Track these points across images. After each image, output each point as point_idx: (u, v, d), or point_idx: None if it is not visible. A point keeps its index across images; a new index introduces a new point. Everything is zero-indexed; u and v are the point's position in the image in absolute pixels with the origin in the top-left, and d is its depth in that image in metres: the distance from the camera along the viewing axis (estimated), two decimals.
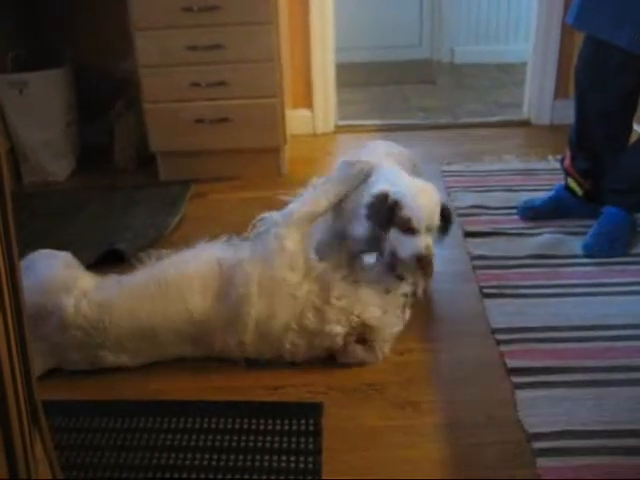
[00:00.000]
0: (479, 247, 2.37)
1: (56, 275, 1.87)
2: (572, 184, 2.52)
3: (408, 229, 1.80)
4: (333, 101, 3.60)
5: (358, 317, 1.80)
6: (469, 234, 2.45)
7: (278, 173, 3.07)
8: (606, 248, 2.29)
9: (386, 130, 3.55)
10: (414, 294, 1.95)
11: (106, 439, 1.60)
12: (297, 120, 3.51)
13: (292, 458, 1.52)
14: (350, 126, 3.66)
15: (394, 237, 1.83)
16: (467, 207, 2.65)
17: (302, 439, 1.57)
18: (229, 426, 1.62)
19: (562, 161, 2.58)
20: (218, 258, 1.87)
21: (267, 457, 1.53)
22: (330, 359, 1.83)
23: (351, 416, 1.66)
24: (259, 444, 1.56)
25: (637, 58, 2.11)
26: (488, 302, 2.07)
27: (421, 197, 1.83)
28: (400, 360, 1.86)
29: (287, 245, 1.82)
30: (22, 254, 1.24)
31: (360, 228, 1.90)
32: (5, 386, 0.90)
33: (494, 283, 2.16)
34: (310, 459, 1.52)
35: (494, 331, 1.94)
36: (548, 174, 2.92)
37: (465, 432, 1.60)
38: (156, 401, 1.73)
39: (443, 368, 1.83)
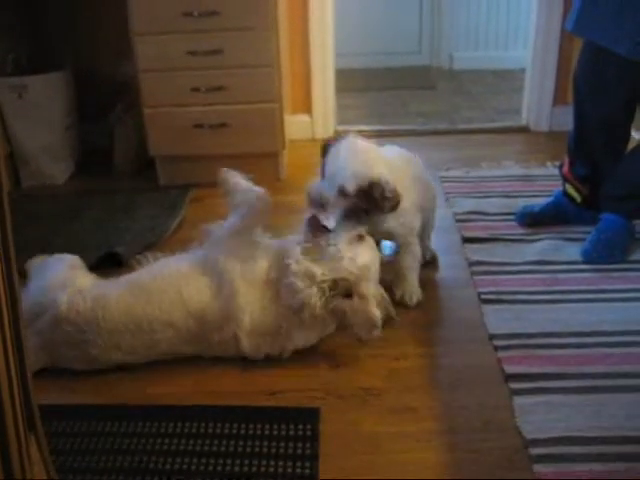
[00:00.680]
0: (477, 253, 2.37)
1: (57, 275, 1.90)
2: (570, 190, 2.52)
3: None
4: (332, 106, 3.60)
5: (323, 274, 1.77)
6: (467, 240, 2.45)
7: (277, 178, 3.07)
8: (604, 254, 2.29)
9: (385, 135, 3.56)
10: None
11: (102, 443, 1.59)
12: (296, 125, 3.52)
13: (289, 463, 1.52)
14: (349, 131, 3.64)
15: None
16: (465, 213, 2.66)
17: (299, 444, 1.57)
18: (226, 431, 1.62)
19: (561, 167, 2.58)
20: (205, 254, 1.89)
21: (264, 462, 1.52)
22: (328, 362, 1.84)
23: (348, 421, 1.66)
24: (256, 449, 1.56)
25: (636, 65, 2.12)
26: (486, 308, 2.07)
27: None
28: (397, 365, 1.86)
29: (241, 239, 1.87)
30: (20, 258, 1.24)
31: None
32: (1, 390, 0.90)
33: (492, 289, 2.16)
34: (307, 464, 1.51)
35: (492, 337, 1.94)
36: (547, 180, 2.93)
37: (462, 438, 1.60)
38: (153, 405, 1.72)
39: (441, 374, 1.83)
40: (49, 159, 3.11)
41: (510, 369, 1.80)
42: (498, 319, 2.01)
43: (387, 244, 2.09)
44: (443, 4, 4.99)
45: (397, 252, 2.09)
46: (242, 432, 1.61)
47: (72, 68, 3.19)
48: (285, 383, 1.79)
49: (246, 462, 1.52)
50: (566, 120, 2.70)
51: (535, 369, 1.79)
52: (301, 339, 1.85)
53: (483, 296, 2.13)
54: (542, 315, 2.02)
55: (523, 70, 3.73)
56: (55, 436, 1.61)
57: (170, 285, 1.83)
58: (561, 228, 2.50)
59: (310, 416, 1.66)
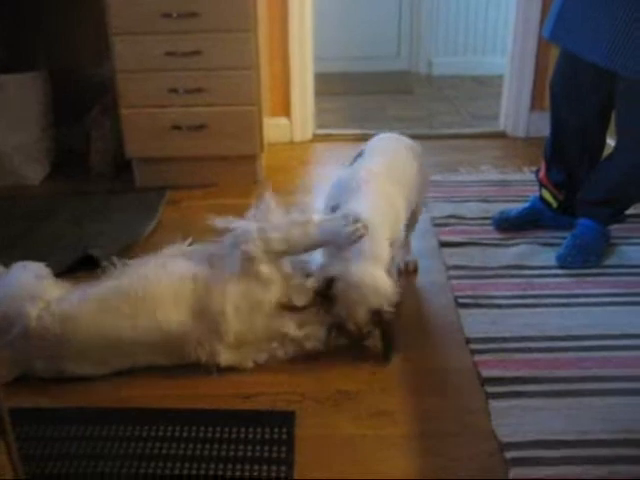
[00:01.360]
0: (455, 257, 2.37)
1: (23, 284, 1.85)
2: (547, 196, 2.54)
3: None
4: (311, 110, 3.60)
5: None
6: (445, 244, 2.46)
7: (254, 181, 3.07)
8: (579, 259, 2.31)
9: (363, 139, 3.55)
10: None
11: (75, 447, 1.57)
12: (275, 128, 3.51)
13: (264, 467, 1.50)
14: (328, 135, 3.66)
15: None
16: (443, 217, 2.67)
17: (274, 448, 1.56)
18: (200, 434, 1.60)
19: (537, 173, 2.60)
20: (193, 274, 1.85)
21: (239, 466, 1.51)
22: (305, 365, 1.83)
23: (324, 425, 1.65)
24: (231, 453, 1.55)
25: (611, 73, 2.14)
26: (463, 312, 2.08)
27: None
28: (373, 369, 1.86)
29: (263, 271, 1.81)
30: None
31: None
32: None
33: (469, 293, 2.17)
34: (282, 468, 1.50)
35: (469, 341, 1.95)
36: (523, 185, 2.95)
37: (438, 441, 1.60)
38: (126, 408, 1.70)
39: (417, 377, 1.83)
40: (24, 159, 3.07)
41: (486, 373, 1.80)
42: (475, 323, 2.02)
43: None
44: (422, 9, 5.02)
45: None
46: (217, 435, 1.60)
47: (49, 68, 3.16)
48: (260, 386, 1.78)
49: (221, 466, 1.51)
50: (543, 126, 2.73)
51: (511, 373, 1.80)
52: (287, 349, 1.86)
53: (460, 300, 2.13)
54: (518, 319, 2.03)
55: (501, 76, 3.76)
56: (26, 440, 1.59)
57: (147, 304, 1.79)
58: (537, 233, 2.52)
59: (285, 419, 1.65)
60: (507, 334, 1.96)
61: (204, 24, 2.77)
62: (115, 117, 2.98)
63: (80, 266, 2.28)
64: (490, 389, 1.75)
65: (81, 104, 3.22)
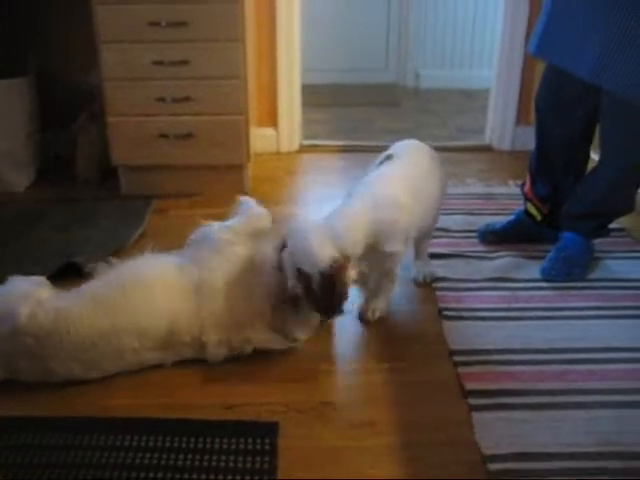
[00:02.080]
0: (439, 269, 2.38)
1: (16, 286, 1.84)
2: (531, 209, 2.55)
3: None
4: (298, 121, 3.61)
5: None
6: (430, 256, 2.46)
7: (241, 191, 3.05)
8: (563, 273, 2.32)
9: (350, 151, 3.58)
10: None
11: (56, 456, 1.56)
12: (262, 138, 3.51)
13: (247, 477, 1.49)
14: (315, 146, 3.67)
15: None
16: None
17: (257, 458, 1.55)
18: (183, 445, 1.59)
19: (522, 186, 2.61)
20: (177, 264, 1.91)
21: (221, 476, 1.50)
22: (288, 376, 1.83)
23: (308, 435, 1.65)
24: (213, 463, 1.54)
25: (596, 88, 2.15)
26: (447, 324, 2.08)
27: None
28: (358, 380, 1.86)
29: (238, 250, 1.94)
30: None
31: None
32: None
33: (453, 305, 2.17)
34: (265, 478, 1.49)
35: (452, 353, 1.95)
36: (508, 199, 2.97)
37: (421, 453, 1.59)
38: (110, 418, 1.69)
39: (400, 389, 1.82)
40: (9, 166, 3.05)
41: (469, 385, 1.81)
42: (458, 335, 2.02)
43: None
44: (410, 23, 5.05)
45: None
46: (199, 446, 1.59)
47: (36, 75, 3.15)
48: (244, 396, 1.77)
49: (203, 476, 1.50)
50: (528, 140, 2.75)
51: (494, 385, 1.80)
52: (264, 334, 1.88)
53: (444, 312, 2.14)
54: (502, 332, 2.04)
55: (487, 90, 3.78)
56: (5, 449, 1.57)
57: (139, 293, 1.82)
58: (522, 246, 2.53)
59: (269, 430, 1.64)
60: (491, 346, 1.97)
61: (192, 33, 2.78)
62: (102, 124, 2.97)
63: (64, 273, 2.26)
64: (473, 401, 1.75)
65: (68, 111, 3.21)
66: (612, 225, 2.48)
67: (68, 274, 2.25)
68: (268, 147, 3.57)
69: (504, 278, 2.33)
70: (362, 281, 2.06)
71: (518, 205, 2.67)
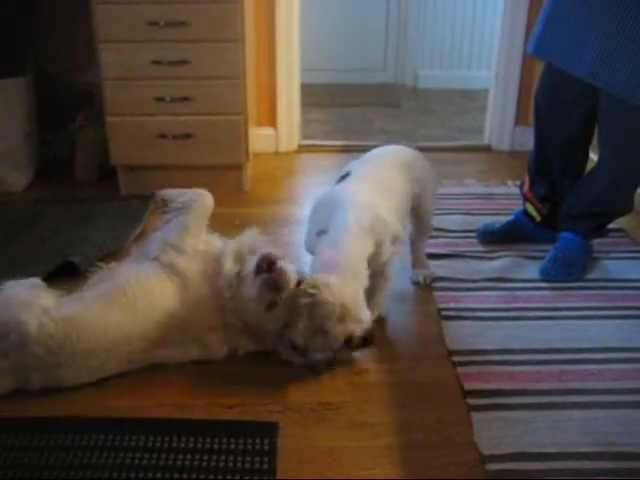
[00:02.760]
0: (438, 269, 2.38)
1: (17, 293, 1.82)
2: (530, 209, 2.56)
3: None
4: (297, 120, 3.61)
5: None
6: (429, 256, 2.46)
7: (240, 190, 3.06)
8: (562, 273, 2.32)
9: (349, 151, 3.58)
10: None
11: (55, 457, 1.56)
12: (260, 138, 3.52)
13: (246, 478, 1.50)
14: (313, 146, 3.67)
15: None
16: None
17: (257, 459, 1.55)
18: (182, 445, 1.59)
19: (521, 186, 2.62)
20: (157, 264, 1.92)
21: (220, 477, 1.50)
22: (288, 376, 1.83)
23: (307, 436, 1.65)
24: (212, 463, 1.54)
25: (595, 87, 2.16)
26: (446, 324, 2.08)
27: None
28: (357, 380, 1.85)
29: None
30: None
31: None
32: None
33: (452, 305, 2.17)
34: (264, 479, 1.49)
35: (451, 353, 1.95)
36: (507, 199, 2.97)
37: (420, 453, 1.59)
38: (109, 418, 1.69)
39: (399, 389, 1.83)
40: (7, 166, 3.05)
41: (468, 385, 1.81)
42: (457, 335, 2.03)
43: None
44: (409, 23, 5.05)
45: None
46: (199, 446, 1.59)
47: (34, 75, 3.14)
48: (243, 396, 1.77)
49: (202, 476, 1.50)
50: (527, 140, 2.75)
51: (492, 385, 1.81)
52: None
53: (443, 312, 2.14)
54: (500, 332, 2.04)
55: (486, 90, 3.79)
56: (4, 450, 1.57)
57: (140, 296, 1.83)
58: (521, 246, 2.54)
59: (268, 430, 1.64)
60: (490, 346, 1.97)
61: (191, 33, 2.78)
62: (101, 124, 2.97)
63: (61, 273, 2.26)
64: (472, 401, 1.75)
65: (66, 111, 3.20)
66: (611, 225, 2.49)
67: (64, 273, 2.25)
68: (267, 147, 3.57)
69: (503, 278, 2.33)
70: None
71: (517, 205, 2.67)
